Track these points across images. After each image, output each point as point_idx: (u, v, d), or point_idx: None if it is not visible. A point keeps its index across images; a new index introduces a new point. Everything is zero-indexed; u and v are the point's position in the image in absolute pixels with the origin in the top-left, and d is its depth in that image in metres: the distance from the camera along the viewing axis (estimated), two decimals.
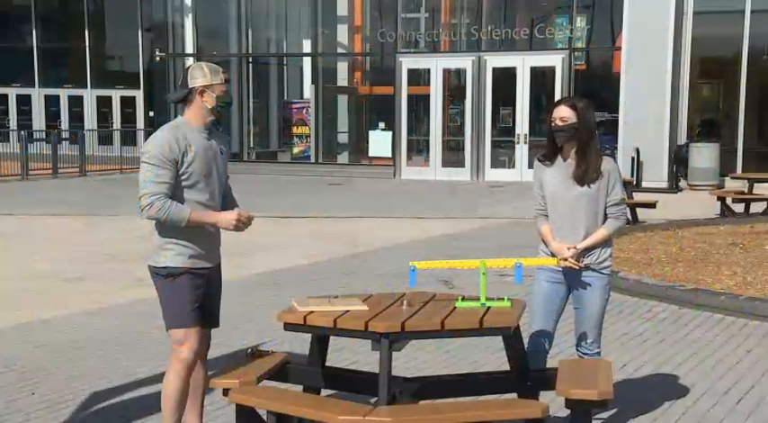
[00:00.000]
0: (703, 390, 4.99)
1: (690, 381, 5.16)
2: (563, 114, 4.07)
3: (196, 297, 3.84)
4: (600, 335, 4.32)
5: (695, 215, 12.91)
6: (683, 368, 5.41)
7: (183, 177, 3.79)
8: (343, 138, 22.55)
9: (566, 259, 4.09)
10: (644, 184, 16.86)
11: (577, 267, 4.11)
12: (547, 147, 4.20)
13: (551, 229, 4.19)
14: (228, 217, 3.83)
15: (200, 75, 3.84)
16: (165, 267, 3.83)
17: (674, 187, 17.16)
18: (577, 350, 4.33)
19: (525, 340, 4.15)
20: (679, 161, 17.43)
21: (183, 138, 3.81)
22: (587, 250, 4.13)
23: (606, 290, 4.25)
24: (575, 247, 4.09)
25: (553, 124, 4.08)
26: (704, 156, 17.16)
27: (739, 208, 12.75)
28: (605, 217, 4.16)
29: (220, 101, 3.85)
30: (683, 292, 7.16)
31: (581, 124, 4.07)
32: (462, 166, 19.85)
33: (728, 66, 18.44)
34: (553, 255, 4.17)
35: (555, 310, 4.23)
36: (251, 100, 22.88)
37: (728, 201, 12.65)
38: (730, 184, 16.24)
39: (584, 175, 4.08)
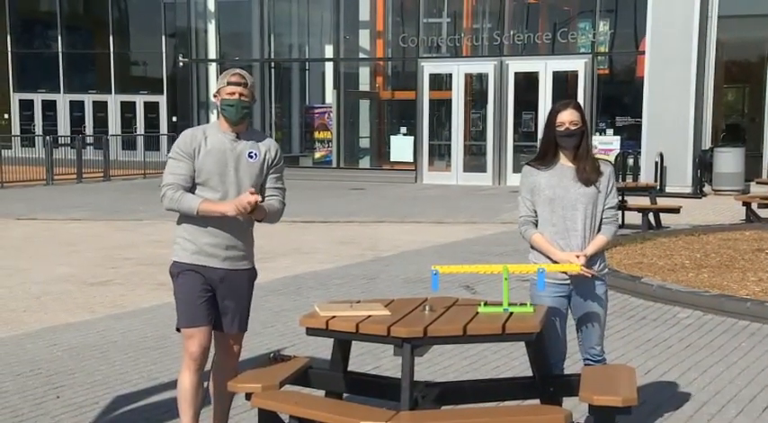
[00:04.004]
0: (729, 397, 4.94)
1: (715, 388, 5.11)
2: (573, 118, 4.04)
3: (199, 295, 3.84)
4: (603, 340, 4.29)
5: (720, 220, 12.80)
6: (709, 375, 5.36)
7: (195, 173, 3.86)
8: (364, 142, 22.59)
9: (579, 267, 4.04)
10: (668, 189, 16.74)
11: (590, 275, 4.06)
12: (546, 152, 4.12)
13: (544, 238, 4.10)
14: (231, 202, 3.76)
15: (218, 80, 3.96)
16: (173, 262, 3.93)
17: (698, 192, 17.03)
18: (585, 359, 4.28)
19: None
20: (703, 166, 17.28)
21: (203, 134, 3.90)
22: (593, 257, 4.09)
23: (607, 295, 4.23)
24: (585, 255, 4.03)
25: (563, 128, 4.03)
26: (729, 160, 17.01)
27: (765, 213, 12.62)
28: (600, 222, 4.12)
29: (223, 103, 3.88)
30: (707, 298, 7.09)
31: (585, 125, 4.08)
32: (484, 170, 19.81)
33: (753, 70, 18.29)
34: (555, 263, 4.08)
35: (564, 324, 4.18)
36: (273, 105, 22.99)
37: (754, 206, 12.53)
38: (755, 189, 16.08)
39: (590, 174, 4.05)
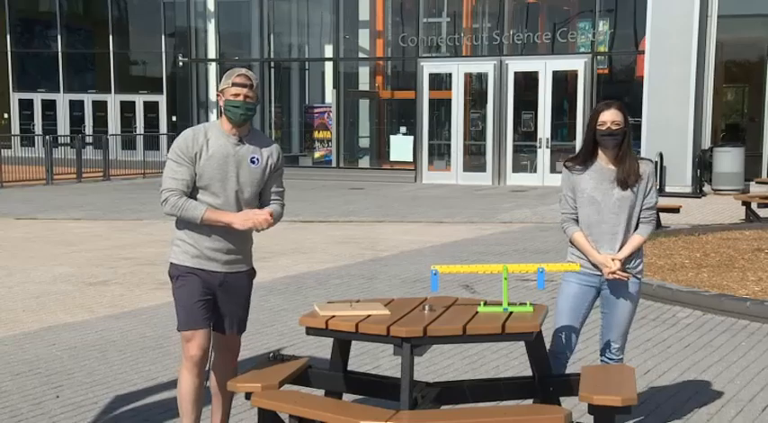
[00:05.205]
0: (728, 397, 4.94)
1: (714, 387, 5.11)
2: (616, 118, 4.02)
3: (198, 298, 3.82)
4: (626, 341, 4.30)
5: (719, 220, 12.81)
6: (708, 375, 5.36)
7: (196, 177, 3.81)
8: (364, 142, 22.59)
9: (613, 272, 4.05)
10: (667, 189, 16.75)
11: (627, 278, 4.09)
12: (583, 151, 4.12)
13: (586, 237, 4.12)
14: (240, 216, 3.77)
15: (222, 79, 3.89)
16: (171, 264, 3.90)
17: (697, 192, 17.03)
18: (602, 356, 4.30)
19: (548, 345, 4.13)
20: (703, 166, 17.29)
21: (204, 136, 3.82)
22: (628, 256, 4.11)
23: (638, 295, 4.24)
24: (619, 259, 4.06)
25: (605, 128, 4.02)
26: (728, 160, 17.01)
27: (764, 213, 12.63)
28: (637, 222, 4.14)
29: (227, 105, 3.81)
30: (707, 298, 7.09)
31: (627, 126, 4.07)
32: (484, 170, 19.81)
33: (753, 69, 18.29)
34: (595, 265, 4.10)
35: (582, 314, 4.19)
36: (273, 105, 22.99)
37: (753, 206, 12.53)
38: (755, 188, 16.09)
39: (628, 178, 4.05)
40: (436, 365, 5.45)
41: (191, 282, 3.83)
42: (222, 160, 3.80)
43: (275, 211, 3.93)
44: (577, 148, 4.31)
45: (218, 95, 3.90)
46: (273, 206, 3.95)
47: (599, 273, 4.12)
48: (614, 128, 4.02)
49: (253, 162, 3.86)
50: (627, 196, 4.07)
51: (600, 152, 4.10)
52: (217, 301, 3.90)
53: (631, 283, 4.16)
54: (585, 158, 4.12)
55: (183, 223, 3.87)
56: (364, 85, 22.69)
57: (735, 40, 18.06)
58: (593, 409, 3.59)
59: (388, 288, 7.97)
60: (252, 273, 4.04)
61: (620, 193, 4.07)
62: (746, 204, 12.57)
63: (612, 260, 4.05)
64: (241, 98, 3.78)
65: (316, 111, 22.30)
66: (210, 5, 23.08)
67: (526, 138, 19.56)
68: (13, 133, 27.31)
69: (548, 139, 19.14)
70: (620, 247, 4.09)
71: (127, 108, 27.10)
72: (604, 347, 4.27)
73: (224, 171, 3.81)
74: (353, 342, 4.13)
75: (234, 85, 3.78)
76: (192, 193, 3.83)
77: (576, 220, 4.16)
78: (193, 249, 3.84)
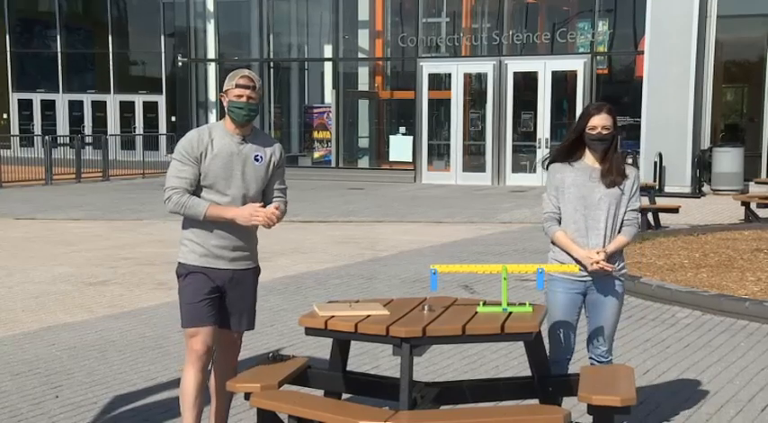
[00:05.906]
0: (727, 397, 4.94)
1: (713, 387, 5.11)
2: (606, 123, 4.04)
3: (204, 296, 3.85)
4: (613, 342, 4.30)
5: (719, 220, 12.81)
6: (707, 375, 5.37)
7: (200, 176, 3.86)
8: (363, 142, 22.60)
9: (597, 262, 4.05)
10: (667, 189, 16.75)
11: (610, 270, 4.09)
12: (565, 149, 4.15)
13: (567, 234, 4.14)
14: (243, 211, 3.81)
15: (226, 80, 3.94)
16: (179, 263, 3.94)
17: (697, 192, 17.04)
18: (591, 358, 4.30)
19: (546, 346, 4.13)
20: (702, 166, 17.30)
21: (209, 136, 3.89)
22: (611, 255, 4.12)
23: (622, 297, 4.24)
24: (605, 251, 4.06)
25: (595, 132, 4.04)
26: (728, 160, 17.01)
27: (764, 213, 12.64)
28: (621, 223, 4.15)
29: (231, 105, 3.87)
30: (706, 298, 7.10)
31: (616, 130, 4.10)
32: (483, 170, 19.82)
33: (753, 69, 18.29)
34: (578, 261, 4.12)
35: (575, 320, 4.20)
36: (272, 105, 22.99)
37: (753, 206, 12.54)
38: (754, 188, 16.09)
39: (614, 177, 4.07)
40: (435, 365, 5.46)
41: (197, 280, 3.88)
42: (227, 159, 3.87)
43: (280, 207, 3.97)
44: None
45: (221, 96, 3.97)
46: (277, 203, 3.98)
47: (583, 278, 4.12)
48: (604, 132, 4.05)
49: (256, 160, 3.93)
50: (612, 193, 4.09)
51: (587, 151, 4.13)
52: (224, 299, 3.94)
53: (616, 285, 4.17)
54: (564, 156, 4.14)
55: (189, 222, 3.92)
56: (364, 85, 22.69)
57: (734, 40, 18.07)
58: (592, 409, 3.60)
59: (388, 288, 7.97)
60: (257, 270, 4.09)
61: (605, 191, 4.09)
62: (746, 204, 12.57)
63: (597, 253, 4.06)
64: (244, 99, 3.86)
65: (315, 111, 22.30)
66: (210, 5, 23.07)
67: (525, 138, 19.56)
68: (12, 133, 27.31)
69: (547, 139, 19.14)
70: (604, 245, 4.10)
71: (126, 108, 27.11)
72: (593, 348, 4.27)
73: (229, 169, 3.88)
74: (353, 342, 4.13)
75: (237, 86, 3.86)
76: (198, 192, 3.88)
77: (559, 221, 4.17)
78: (200, 248, 3.89)
